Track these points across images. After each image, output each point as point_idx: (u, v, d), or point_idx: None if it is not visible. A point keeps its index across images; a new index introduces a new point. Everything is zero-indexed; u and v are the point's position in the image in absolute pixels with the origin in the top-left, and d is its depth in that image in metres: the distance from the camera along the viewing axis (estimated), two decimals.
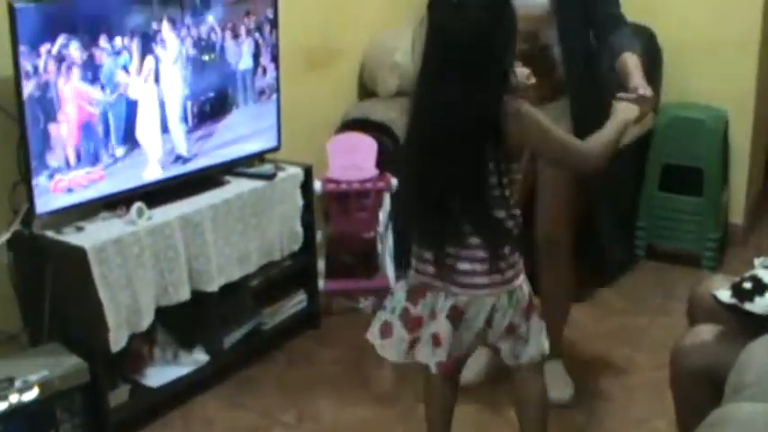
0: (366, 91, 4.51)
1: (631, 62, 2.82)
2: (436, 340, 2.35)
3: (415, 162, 2.35)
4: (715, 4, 4.49)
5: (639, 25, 4.53)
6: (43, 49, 2.72)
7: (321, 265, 3.88)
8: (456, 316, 2.34)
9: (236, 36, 3.42)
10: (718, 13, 4.47)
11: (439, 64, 2.23)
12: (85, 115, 2.89)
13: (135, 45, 3.02)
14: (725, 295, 2.37)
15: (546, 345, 2.48)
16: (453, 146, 2.23)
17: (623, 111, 2.50)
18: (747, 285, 2.35)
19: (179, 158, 3.28)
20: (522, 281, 2.40)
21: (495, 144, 2.22)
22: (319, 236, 3.83)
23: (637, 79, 2.73)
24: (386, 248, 3.97)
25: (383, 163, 3.94)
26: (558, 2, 2.96)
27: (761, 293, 2.32)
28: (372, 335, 2.48)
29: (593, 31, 3.04)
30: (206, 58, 3.32)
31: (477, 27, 2.17)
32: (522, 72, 2.47)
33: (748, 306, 2.31)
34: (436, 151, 2.26)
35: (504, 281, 2.35)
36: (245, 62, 3.49)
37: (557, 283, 3.23)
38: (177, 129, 3.26)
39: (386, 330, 2.44)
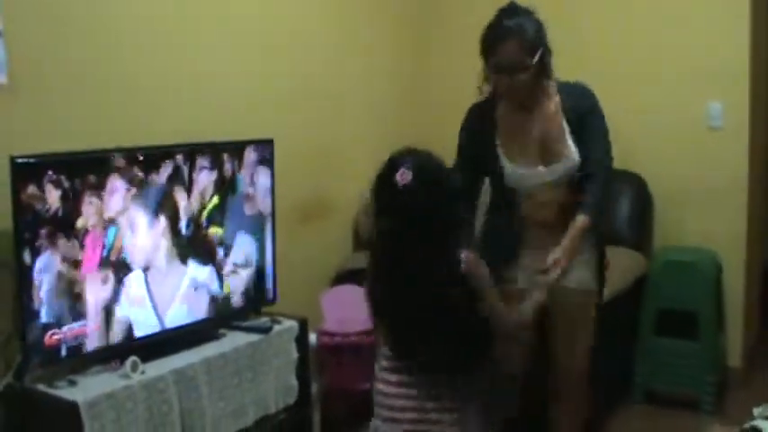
0: (361, 242, 4.55)
1: (570, 231, 3.05)
2: None
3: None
4: (703, 153, 4.60)
5: (629, 173, 4.65)
6: (45, 201, 2.76)
7: (317, 418, 3.82)
8: None
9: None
10: (707, 159, 4.59)
11: (392, 239, 2.45)
12: (84, 269, 2.91)
13: (144, 195, 3.10)
14: None
15: None
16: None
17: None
18: None
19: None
20: None
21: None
22: (314, 388, 3.79)
23: (551, 255, 2.99)
24: None
25: None
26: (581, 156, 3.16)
27: None
28: None
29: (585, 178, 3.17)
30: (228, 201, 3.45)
31: (425, 208, 2.41)
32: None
33: None
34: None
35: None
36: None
37: (575, 410, 3.33)
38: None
39: None
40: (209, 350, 3.26)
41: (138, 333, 3.14)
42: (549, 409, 3.34)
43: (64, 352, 2.88)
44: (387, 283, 2.50)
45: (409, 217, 2.40)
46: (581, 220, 3.06)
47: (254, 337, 3.43)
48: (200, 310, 3.39)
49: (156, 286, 3.20)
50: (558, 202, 3.15)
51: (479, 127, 3.23)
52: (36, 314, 2.78)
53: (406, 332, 2.48)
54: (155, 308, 3.20)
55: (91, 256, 2.93)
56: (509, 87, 3.04)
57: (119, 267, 3.04)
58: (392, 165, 2.42)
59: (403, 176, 2.37)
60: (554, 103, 3.14)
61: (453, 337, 2.43)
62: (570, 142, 3.12)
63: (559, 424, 3.34)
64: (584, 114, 3.13)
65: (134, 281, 3.11)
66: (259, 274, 3.64)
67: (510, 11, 3.02)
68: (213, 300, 3.44)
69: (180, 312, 3.30)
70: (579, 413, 3.37)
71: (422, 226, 2.39)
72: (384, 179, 2.44)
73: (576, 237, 3.04)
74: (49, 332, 2.82)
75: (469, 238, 2.52)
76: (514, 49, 2.96)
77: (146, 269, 3.15)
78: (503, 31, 2.98)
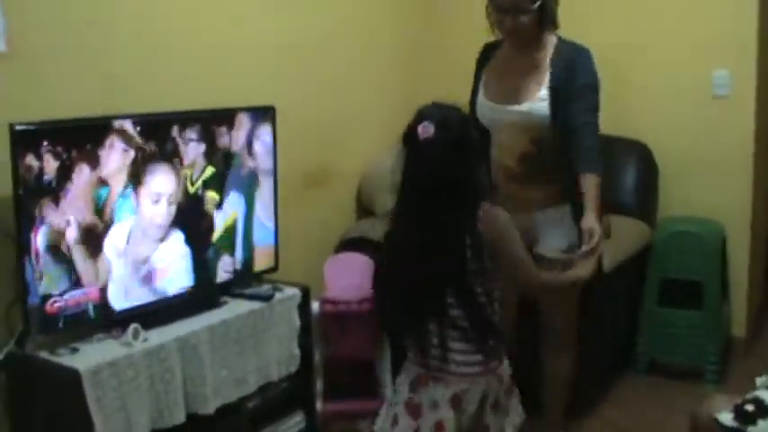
0: (364, 210, 4.55)
1: (588, 194, 3.03)
2: (439, 427, 2.45)
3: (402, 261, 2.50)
4: (708, 121, 4.57)
5: (636, 141, 4.64)
6: (44, 169, 2.75)
7: (319, 385, 3.83)
8: (457, 403, 2.45)
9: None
10: (712, 130, 4.56)
11: (416, 191, 2.43)
12: (85, 237, 2.90)
13: (143, 161, 3.08)
14: (727, 418, 2.33)
15: (521, 409, 2.63)
16: (438, 246, 2.42)
17: (581, 267, 2.76)
18: (750, 408, 2.32)
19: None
20: (505, 364, 2.56)
21: (474, 242, 2.41)
22: (317, 356, 3.80)
23: (585, 223, 2.94)
24: (384, 368, 3.92)
25: None
26: (553, 110, 3.16)
27: (763, 416, 2.29)
28: (380, 428, 2.59)
29: (570, 137, 3.17)
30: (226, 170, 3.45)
31: (443, 162, 2.40)
32: None
33: (751, 430, 2.27)
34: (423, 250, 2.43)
35: (494, 368, 2.50)
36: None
37: (563, 365, 3.44)
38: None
39: (393, 422, 2.54)
40: (211, 318, 3.26)
41: (140, 301, 3.13)
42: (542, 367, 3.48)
43: (65, 320, 2.87)
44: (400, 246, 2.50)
45: (427, 172, 2.39)
46: (590, 179, 3.06)
47: (256, 305, 3.42)
48: (202, 278, 3.38)
49: (156, 253, 3.19)
50: (519, 151, 3.20)
51: (481, 59, 3.41)
52: (36, 282, 2.78)
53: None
54: (156, 275, 3.19)
55: (89, 223, 2.92)
56: (510, 28, 3.15)
57: (117, 236, 3.02)
58: (418, 118, 2.42)
59: (425, 130, 2.37)
60: (545, 54, 3.21)
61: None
62: (544, 93, 3.17)
63: (548, 381, 3.47)
64: (573, 69, 3.16)
65: (134, 248, 3.09)
66: (261, 242, 3.63)
67: None
68: (214, 267, 3.44)
69: (181, 280, 3.30)
70: (566, 370, 3.46)
71: (438, 181, 2.39)
72: (409, 132, 2.43)
73: (596, 197, 3.03)
74: (50, 300, 2.82)
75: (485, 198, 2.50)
76: None
77: (145, 237, 3.14)
78: None
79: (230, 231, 3.51)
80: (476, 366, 2.47)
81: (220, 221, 3.45)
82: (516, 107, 3.19)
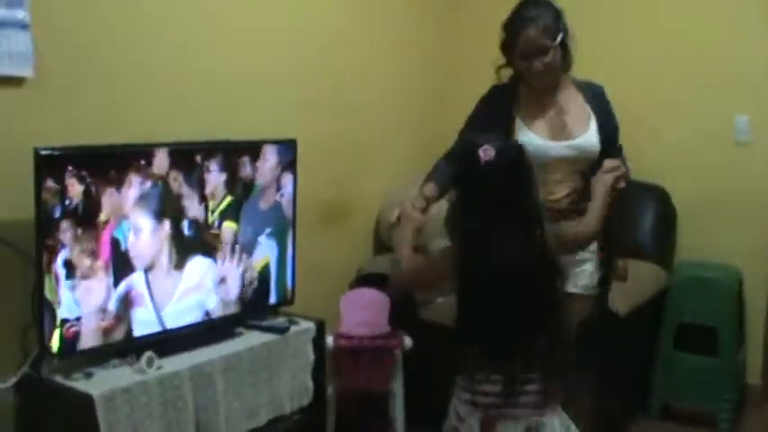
0: (381, 245, 4.55)
1: None
2: None
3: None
4: (728, 167, 4.57)
5: (653, 185, 4.64)
6: (67, 194, 2.77)
7: (331, 420, 3.82)
8: None
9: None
10: (730, 173, 4.56)
11: (485, 217, 2.50)
12: (105, 263, 2.92)
13: (163, 190, 3.10)
14: None
15: None
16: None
17: (600, 182, 2.90)
18: None
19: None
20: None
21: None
22: (330, 390, 3.79)
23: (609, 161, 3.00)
24: (397, 405, 3.91)
25: (396, 319, 3.94)
26: (602, 143, 3.23)
27: None
28: None
29: None
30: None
31: (507, 184, 2.49)
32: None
33: None
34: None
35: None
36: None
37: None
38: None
39: None
40: (225, 348, 3.26)
41: (156, 328, 3.14)
42: None
43: (81, 345, 2.88)
44: (475, 270, 2.52)
45: (492, 193, 2.49)
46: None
47: (270, 337, 3.43)
48: (218, 309, 3.39)
49: (174, 282, 3.20)
50: (571, 186, 3.21)
51: (498, 100, 3.33)
52: (54, 306, 2.79)
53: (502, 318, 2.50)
54: (172, 304, 3.20)
55: (108, 250, 2.93)
56: (538, 70, 3.14)
57: (136, 263, 3.04)
58: (473, 146, 2.51)
59: (486, 153, 2.46)
60: (572, 91, 3.27)
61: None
62: (593, 128, 3.22)
63: None
64: (604, 108, 3.27)
65: (151, 276, 3.10)
66: (278, 275, 3.64)
67: (528, 3, 3.16)
68: (230, 298, 3.45)
69: (196, 310, 3.30)
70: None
71: (503, 202, 2.49)
72: (467, 158, 2.53)
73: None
74: (67, 324, 2.83)
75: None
76: (535, 34, 3.10)
77: (162, 265, 3.14)
78: (521, 20, 3.13)
79: (264, 271, 3.58)
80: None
81: (247, 254, 3.49)
82: (569, 142, 3.20)
